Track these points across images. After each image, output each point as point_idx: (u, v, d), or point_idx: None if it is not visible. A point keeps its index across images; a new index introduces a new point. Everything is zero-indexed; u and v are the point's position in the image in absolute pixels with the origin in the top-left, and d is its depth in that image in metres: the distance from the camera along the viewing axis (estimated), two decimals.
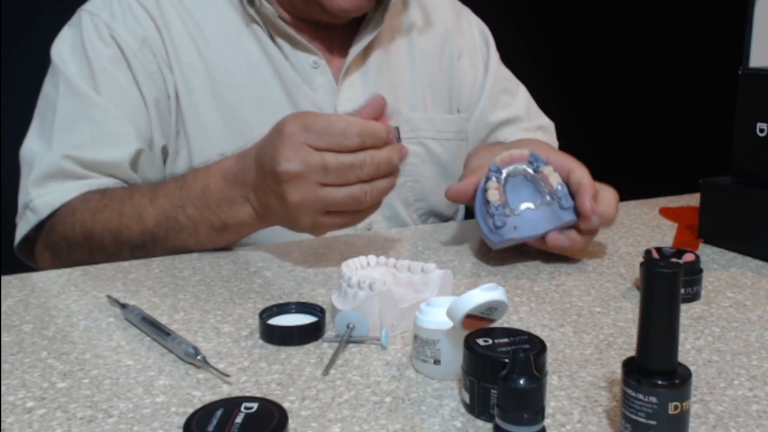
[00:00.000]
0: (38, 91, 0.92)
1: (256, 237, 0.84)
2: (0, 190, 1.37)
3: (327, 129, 0.66)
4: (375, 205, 0.71)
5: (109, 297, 0.65)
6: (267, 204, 0.72)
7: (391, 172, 0.69)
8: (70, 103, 0.87)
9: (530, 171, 0.75)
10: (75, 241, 0.81)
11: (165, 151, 0.91)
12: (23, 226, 0.86)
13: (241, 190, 0.74)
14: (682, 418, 0.41)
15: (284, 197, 0.68)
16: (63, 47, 0.90)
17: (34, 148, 0.87)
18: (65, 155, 0.84)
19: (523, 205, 0.74)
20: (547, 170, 0.74)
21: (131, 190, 0.83)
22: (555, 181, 0.73)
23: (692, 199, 1.00)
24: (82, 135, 0.85)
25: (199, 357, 0.53)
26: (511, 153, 0.76)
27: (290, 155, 0.66)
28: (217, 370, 0.52)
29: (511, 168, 0.75)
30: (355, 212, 0.70)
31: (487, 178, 0.74)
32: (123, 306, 0.62)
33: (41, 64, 0.93)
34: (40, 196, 0.84)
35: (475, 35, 1.10)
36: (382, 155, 0.68)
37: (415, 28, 1.04)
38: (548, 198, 0.73)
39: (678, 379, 0.41)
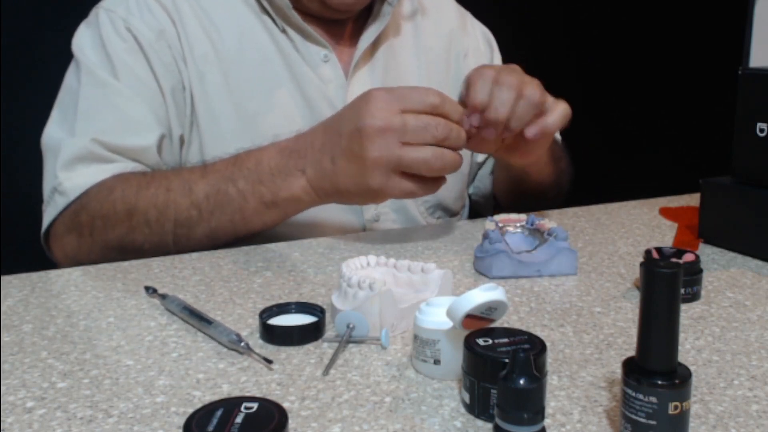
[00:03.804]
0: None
1: (255, 236, 0.84)
2: (0, 192, 1.37)
3: (409, 91, 0.73)
4: (438, 182, 0.76)
5: (146, 288, 0.66)
6: (333, 170, 0.74)
7: (459, 147, 0.74)
8: (92, 92, 0.88)
9: (527, 227, 0.78)
10: (115, 218, 0.81)
11: (182, 140, 0.92)
12: (51, 210, 0.86)
13: (297, 163, 0.76)
14: (682, 418, 0.41)
15: (363, 153, 0.72)
16: (83, 41, 0.91)
17: (56, 135, 0.88)
18: (93, 139, 0.85)
19: (522, 249, 0.75)
20: (542, 221, 0.77)
21: (178, 168, 0.84)
22: (550, 225, 0.76)
23: (692, 199, 1.00)
24: (105, 122, 0.87)
25: (242, 344, 0.54)
26: (509, 215, 0.80)
27: (374, 113, 0.71)
28: (260, 356, 0.53)
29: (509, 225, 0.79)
30: (421, 182, 0.74)
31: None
32: (163, 296, 0.64)
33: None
34: (68, 179, 0.84)
35: (478, 37, 1.12)
36: (455, 124, 0.73)
37: (421, 25, 1.06)
38: (545, 235, 0.75)
39: (678, 379, 0.41)
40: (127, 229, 0.81)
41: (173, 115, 0.90)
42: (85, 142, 0.85)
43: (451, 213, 1.07)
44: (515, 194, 1.04)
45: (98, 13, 0.92)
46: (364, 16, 0.99)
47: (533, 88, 0.76)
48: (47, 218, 0.87)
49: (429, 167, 0.72)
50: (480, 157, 1.12)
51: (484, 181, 1.13)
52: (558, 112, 0.78)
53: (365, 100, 0.73)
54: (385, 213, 0.98)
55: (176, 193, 0.80)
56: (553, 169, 1.01)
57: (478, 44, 1.12)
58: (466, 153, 1.04)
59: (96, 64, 0.89)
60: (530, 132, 0.77)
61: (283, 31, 0.94)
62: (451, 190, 1.05)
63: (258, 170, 0.78)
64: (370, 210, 0.96)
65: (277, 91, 0.93)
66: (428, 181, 0.75)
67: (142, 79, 0.89)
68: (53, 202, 0.85)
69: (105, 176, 0.84)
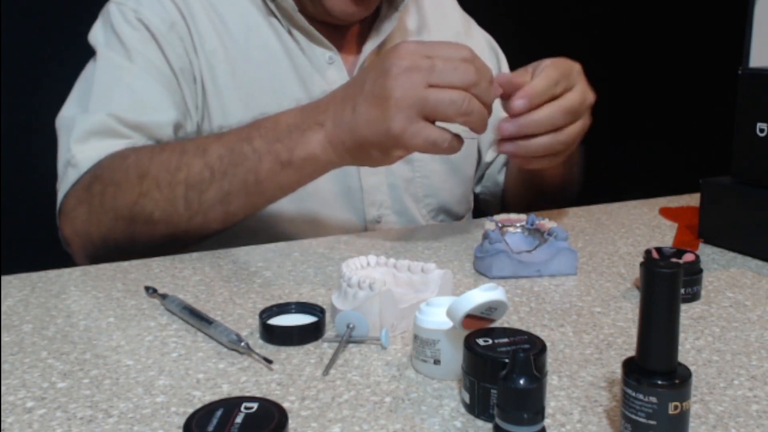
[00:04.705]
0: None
1: (257, 236, 0.84)
2: (0, 192, 1.37)
3: (441, 43, 0.70)
4: (458, 144, 0.70)
5: (146, 288, 0.66)
6: (353, 118, 0.70)
7: (487, 101, 0.70)
8: (107, 74, 0.88)
9: (527, 227, 0.78)
10: (127, 184, 0.79)
11: (198, 128, 0.92)
12: (64, 185, 0.85)
13: (317, 117, 0.73)
14: (682, 418, 0.41)
15: (386, 93, 0.68)
16: (97, 33, 0.92)
17: (71, 114, 0.88)
18: (110, 114, 0.85)
19: (522, 249, 0.74)
20: (542, 221, 0.77)
21: (195, 136, 0.83)
22: (550, 225, 0.75)
23: (692, 199, 1.00)
24: (121, 101, 0.87)
25: (242, 344, 0.54)
26: (509, 215, 0.79)
27: (402, 55, 0.69)
28: (259, 356, 0.53)
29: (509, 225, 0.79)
30: (445, 133, 0.69)
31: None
32: (163, 296, 0.64)
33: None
34: (81, 152, 0.84)
35: (482, 44, 1.13)
36: (489, 74, 0.70)
37: (426, 31, 1.06)
38: (545, 236, 0.75)
39: (678, 379, 0.41)
40: (138, 196, 0.78)
41: (189, 99, 0.91)
42: (102, 117, 0.85)
43: (455, 216, 1.06)
44: (525, 192, 1.03)
45: (109, 7, 0.93)
46: (371, 18, 0.99)
47: (581, 126, 0.79)
48: (60, 194, 0.85)
49: (456, 108, 0.67)
50: (489, 157, 1.12)
51: (492, 179, 1.13)
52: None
53: (394, 48, 0.70)
54: (387, 214, 0.98)
55: (189, 155, 0.77)
56: (565, 172, 0.99)
57: (483, 50, 1.12)
58: (466, 154, 1.04)
59: (111, 48, 0.89)
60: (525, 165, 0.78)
61: (289, 32, 0.94)
62: (454, 192, 1.05)
63: (276, 128, 0.75)
64: (371, 211, 0.96)
65: (282, 90, 0.93)
66: (452, 136, 0.70)
67: (156, 65, 0.89)
68: (66, 177, 0.84)
69: (118, 149, 0.83)
